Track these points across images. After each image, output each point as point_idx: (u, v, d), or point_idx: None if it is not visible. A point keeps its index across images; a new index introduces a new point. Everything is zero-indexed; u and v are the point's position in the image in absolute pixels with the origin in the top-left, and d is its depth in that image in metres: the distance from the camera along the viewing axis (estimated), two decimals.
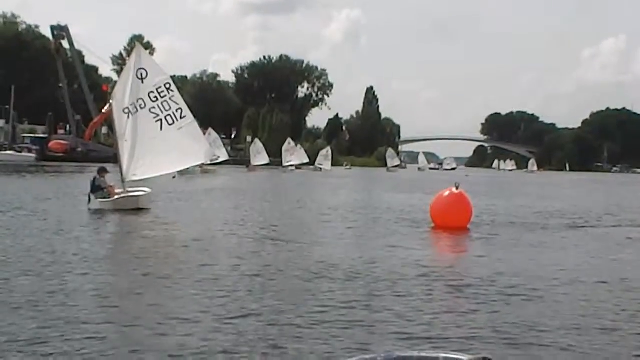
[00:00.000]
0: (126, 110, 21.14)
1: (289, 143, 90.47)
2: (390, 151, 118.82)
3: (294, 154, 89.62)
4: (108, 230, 17.10)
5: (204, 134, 61.87)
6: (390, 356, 2.71)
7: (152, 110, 20.96)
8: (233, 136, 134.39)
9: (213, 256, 12.20)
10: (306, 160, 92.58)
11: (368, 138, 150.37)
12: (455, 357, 2.66)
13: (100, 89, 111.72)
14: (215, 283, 9.58)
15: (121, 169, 21.47)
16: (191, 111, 21.87)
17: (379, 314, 7.98)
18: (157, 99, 20.99)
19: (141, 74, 21.07)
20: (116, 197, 20.73)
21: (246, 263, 11.54)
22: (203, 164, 58.54)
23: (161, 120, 21.00)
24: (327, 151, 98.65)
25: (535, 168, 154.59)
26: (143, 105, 20.96)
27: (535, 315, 8.16)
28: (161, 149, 21.02)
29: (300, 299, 8.63)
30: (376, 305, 8.42)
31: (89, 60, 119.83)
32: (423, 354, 2.72)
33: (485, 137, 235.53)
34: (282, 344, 6.71)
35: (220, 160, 63.48)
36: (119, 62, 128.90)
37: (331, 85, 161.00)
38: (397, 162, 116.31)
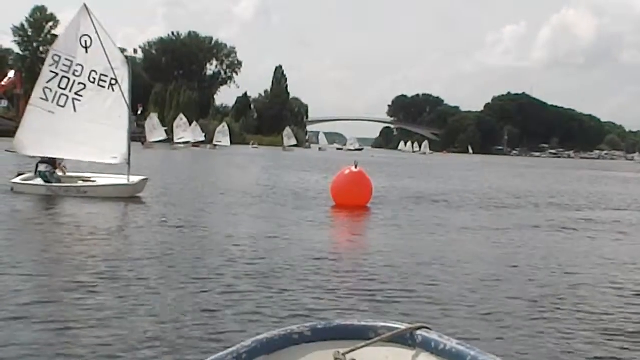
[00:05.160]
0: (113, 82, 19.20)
1: (181, 119, 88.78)
2: (287, 130, 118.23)
3: (186, 130, 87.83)
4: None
5: None
6: (330, 324, 2.80)
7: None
8: (139, 112, 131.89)
9: (103, 244, 11.59)
10: (201, 138, 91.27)
11: (276, 117, 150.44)
12: (394, 326, 2.72)
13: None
14: (105, 273, 8.94)
15: (129, 149, 19.19)
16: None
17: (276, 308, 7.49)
18: None
19: (85, 42, 19.04)
20: (136, 180, 18.97)
21: (137, 252, 10.82)
22: None
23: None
24: (223, 127, 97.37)
25: (428, 150, 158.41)
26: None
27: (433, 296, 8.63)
28: None
29: (195, 289, 8.19)
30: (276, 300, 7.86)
31: None
32: (363, 323, 2.80)
33: (392, 118, 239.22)
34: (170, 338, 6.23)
35: None
36: (20, 33, 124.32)
37: (240, 63, 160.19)
38: (293, 141, 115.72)
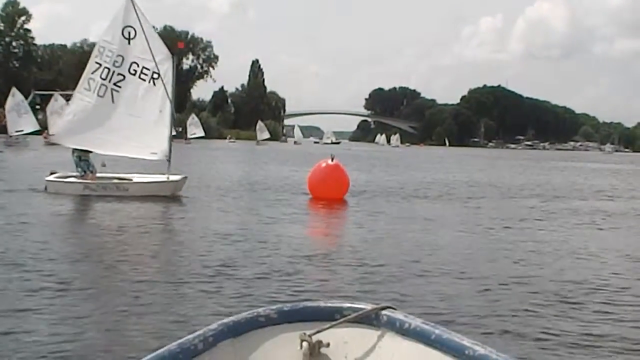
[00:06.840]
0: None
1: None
2: (260, 124, 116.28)
3: None
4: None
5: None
6: (296, 306, 2.78)
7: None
8: None
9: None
10: (173, 132, 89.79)
11: (253, 111, 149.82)
12: (359, 307, 2.72)
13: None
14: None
15: (170, 146, 18.98)
16: (74, 81, 20.05)
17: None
18: None
19: (129, 33, 18.67)
20: (177, 177, 18.83)
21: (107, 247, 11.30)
22: (11, 136, 52.84)
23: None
24: (193, 118, 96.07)
25: (399, 143, 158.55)
26: None
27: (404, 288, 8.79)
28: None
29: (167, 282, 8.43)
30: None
31: None
32: (329, 304, 2.80)
33: (369, 112, 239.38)
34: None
35: (28, 131, 55.68)
36: None
37: (216, 57, 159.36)
38: (267, 135, 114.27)
